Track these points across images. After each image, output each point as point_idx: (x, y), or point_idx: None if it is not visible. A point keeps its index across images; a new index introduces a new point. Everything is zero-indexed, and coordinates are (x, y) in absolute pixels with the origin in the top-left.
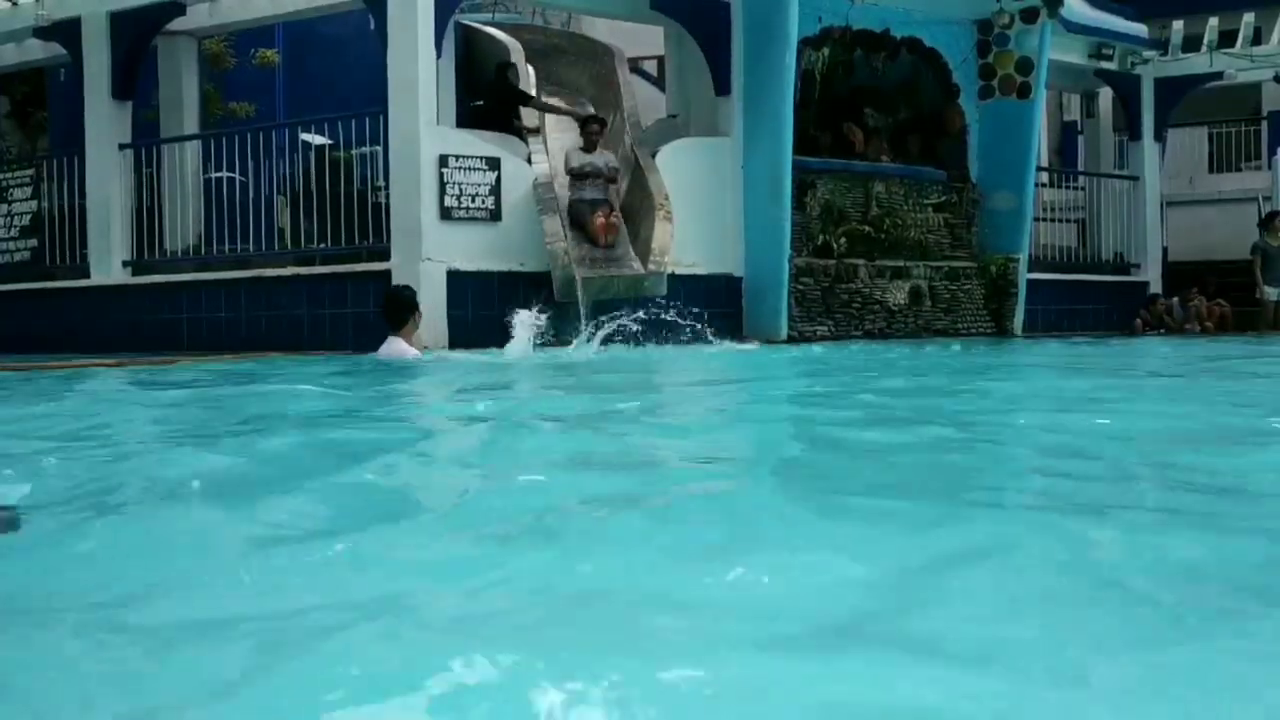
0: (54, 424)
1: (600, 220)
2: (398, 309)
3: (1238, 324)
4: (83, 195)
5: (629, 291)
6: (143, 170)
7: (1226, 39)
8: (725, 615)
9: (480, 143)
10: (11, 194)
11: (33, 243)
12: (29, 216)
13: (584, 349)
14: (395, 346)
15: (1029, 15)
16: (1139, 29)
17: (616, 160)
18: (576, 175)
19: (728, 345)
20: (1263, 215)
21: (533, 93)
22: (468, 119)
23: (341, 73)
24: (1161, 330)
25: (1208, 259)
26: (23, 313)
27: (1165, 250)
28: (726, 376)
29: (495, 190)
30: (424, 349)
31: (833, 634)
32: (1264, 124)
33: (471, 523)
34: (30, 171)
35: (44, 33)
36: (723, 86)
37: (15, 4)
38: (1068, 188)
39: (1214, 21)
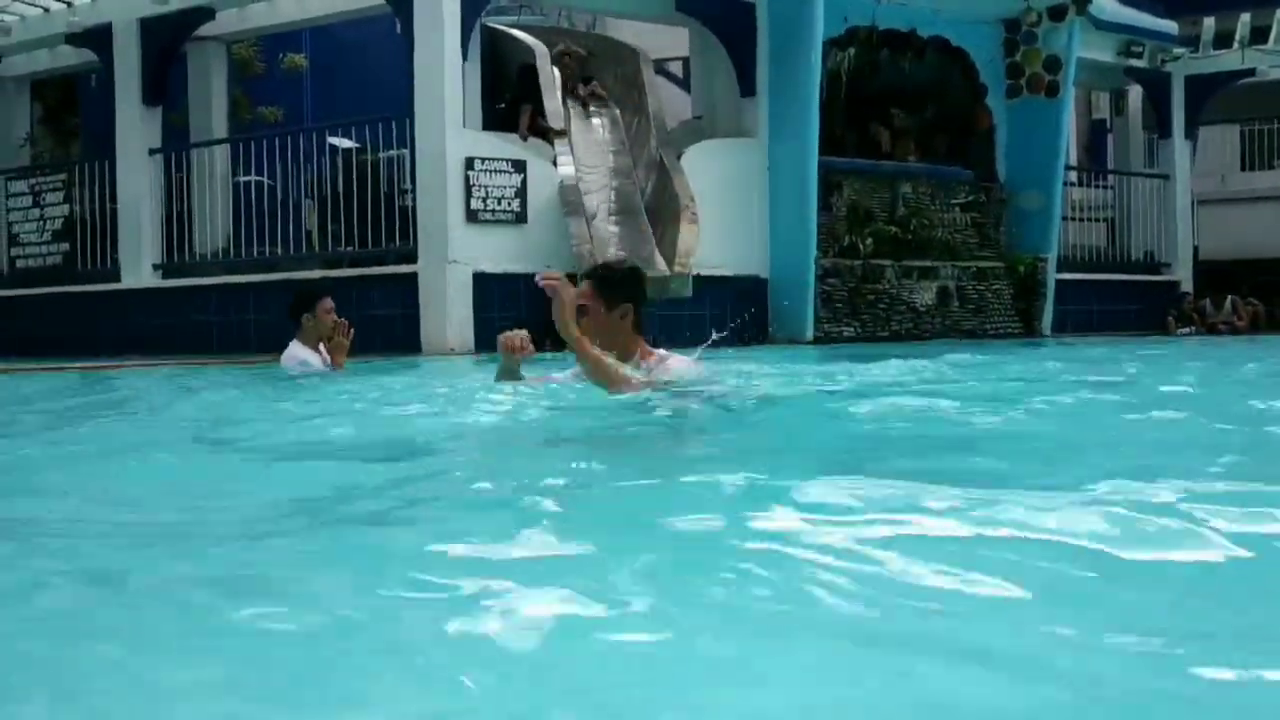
0: None
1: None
2: (292, 307)
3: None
4: (113, 199)
5: (654, 293)
6: (172, 174)
7: (1259, 35)
8: None
9: (506, 145)
10: (44, 198)
11: (64, 247)
12: (61, 221)
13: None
14: (289, 351)
15: (1057, 13)
16: (1169, 26)
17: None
18: None
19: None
20: None
21: (557, 94)
22: (493, 121)
23: (368, 76)
24: (1192, 329)
25: (1240, 258)
26: (54, 316)
27: (1196, 250)
28: None
29: (521, 193)
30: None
31: None
32: None
33: None
34: (62, 176)
35: (75, 39)
36: (748, 87)
37: (47, 11)
38: (1097, 187)
39: (1246, 18)
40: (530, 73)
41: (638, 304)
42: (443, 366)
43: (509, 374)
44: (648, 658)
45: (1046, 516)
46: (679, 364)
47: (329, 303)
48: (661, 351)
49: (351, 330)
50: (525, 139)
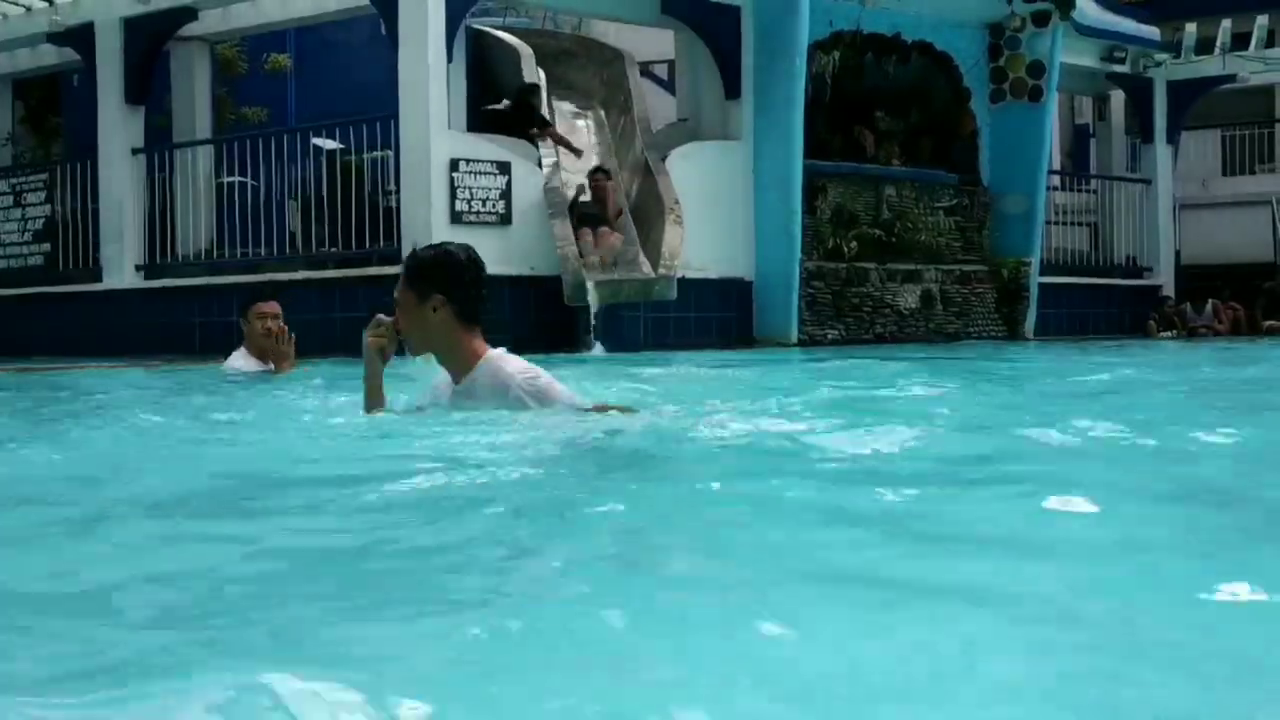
0: None
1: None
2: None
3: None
4: (95, 200)
5: (639, 295)
6: (155, 175)
7: (1240, 41)
8: None
9: (491, 147)
10: (25, 198)
11: (46, 247)
12: (42, 221)
13: None
14: (233, 354)
15: (1040, 18)
16: (1151, 31)
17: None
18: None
19: None
20: (1277, 218)
21: (542, 96)
22: (479, 123)
23: (352, 77)
24: (1174, 333)
25: (1221, 262)
26: (36, 317)
27: (1178, 254)
28: None
29: (506, 194)
30: (280, 364)
31: None
32: (1277, 126)
33: None
34: (44, 176)
35: (58, 38)
36: (733, 90)
37: (29, 10)
38: (1080, 191)
39: (1227, 24)
40: (530, 95)
41: (452, 294)
42: (411, 370)
43: (373, 393)
44: None
45: None
46: (517, 364)
47: (263, 307)
48: (499, 351)
49: (293, 337)
50: (559, 140)
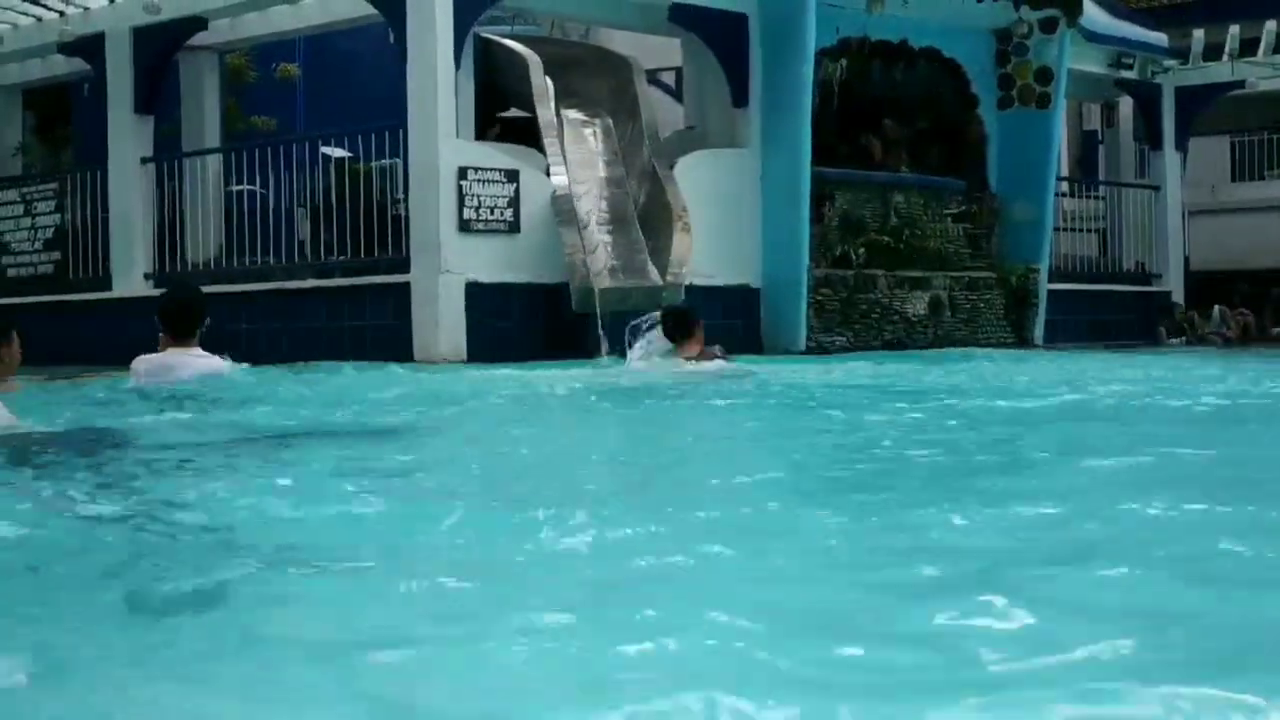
0: None
1: None
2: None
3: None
4: (105, 209)
5: (647, 303)
6: (164, 184)
7: (1248, 47)
8: None
9: (499, 155)
10: (35, 207)
11: (55, 256)
12: (52, 230)
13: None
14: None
15: (1048, 25)
16: (1159, 38)
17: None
18: None
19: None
20: None
21: (550, 104)
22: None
23: (361, 86)
24: (1183, 340)
25: (1230, 269)
26: (45, 325)
27: (1187, 260)
28: None
29: (514, 202)
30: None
31: None
32: None
33: None
34: (54, 185)
35: (68, 48)
36: (740, 98)
37: (40, 20)
38: (1088, 197)
39: (1235, 30)
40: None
41: None
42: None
43: None
44: None
45: None
46: None
47: None
48: None
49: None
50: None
